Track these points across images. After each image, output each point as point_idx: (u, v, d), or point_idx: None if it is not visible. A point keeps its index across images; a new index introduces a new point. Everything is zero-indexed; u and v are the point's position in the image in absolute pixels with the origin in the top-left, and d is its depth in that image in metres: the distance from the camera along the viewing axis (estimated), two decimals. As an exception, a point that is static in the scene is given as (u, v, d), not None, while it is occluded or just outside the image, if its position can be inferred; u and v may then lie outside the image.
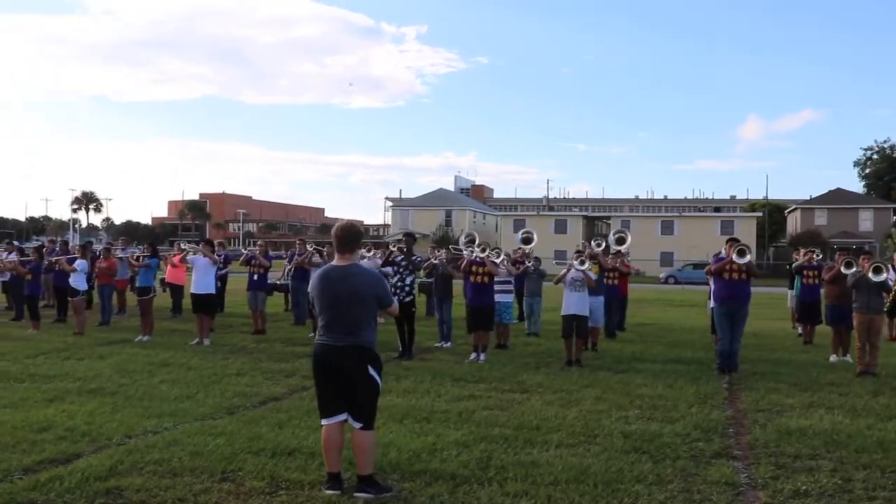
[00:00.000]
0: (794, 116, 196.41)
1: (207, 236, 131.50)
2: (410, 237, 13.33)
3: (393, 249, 13.70)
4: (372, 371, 5.76)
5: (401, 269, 12.92)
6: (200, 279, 14.31)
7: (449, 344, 14.32)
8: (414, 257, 13.02)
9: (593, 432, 7.60)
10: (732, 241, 11.68)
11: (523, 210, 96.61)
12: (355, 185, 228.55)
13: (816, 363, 12.63)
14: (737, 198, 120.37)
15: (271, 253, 15.55)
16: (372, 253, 14.06)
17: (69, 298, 16.13)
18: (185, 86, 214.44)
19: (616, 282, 16.48)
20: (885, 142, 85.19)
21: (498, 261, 13.51)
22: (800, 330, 16.24)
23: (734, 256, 11.32)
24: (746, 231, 69.10)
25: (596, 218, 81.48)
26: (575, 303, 12.22)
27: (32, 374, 10.79)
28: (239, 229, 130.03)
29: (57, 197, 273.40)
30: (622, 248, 17.74)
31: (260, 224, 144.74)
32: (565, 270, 12.42)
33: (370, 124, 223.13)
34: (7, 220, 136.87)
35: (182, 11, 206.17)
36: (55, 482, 5.87)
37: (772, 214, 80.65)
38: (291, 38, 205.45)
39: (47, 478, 5.97)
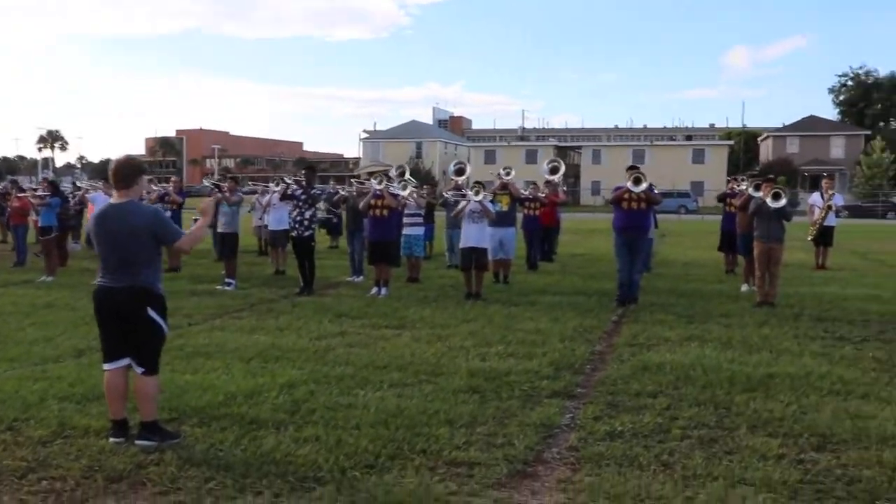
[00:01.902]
0: (782, 43, 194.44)
1: (185, 173, 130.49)
2: (310, 170, 12.81)
3: (289, 182, 13.20)
4: (152, 313, 5.35)
5: (300, 203, 12.43)
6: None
7: (360, 278, 13.96)
8: (313, 190, 12.53)
9: (440, 370, 7.26)
10: (631, 168, 11.22)
11: (498, 141, 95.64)
12: (337, 119, 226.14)
13: (724, 293, 12.35)
14: (716, 126, 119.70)
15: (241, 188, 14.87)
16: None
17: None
18: (164, 20, 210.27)
19: (536, 212, 16.05)
20: (860, 68, 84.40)
21: (405, 193, 13.09)
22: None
23: (630, 184, 10.88)
24: (718, 159, 68.95)
25: (568, 147, 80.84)
26: (474, 234, 11.83)
27: None
28: (215, 165, 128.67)
29: (27, 136, 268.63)
30: (556, 178, 17.33)
31: (237, 159, 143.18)
32: (464, 203, 11.99)
33: (353, 57, 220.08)
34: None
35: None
36: None
37: (746, 143, 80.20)
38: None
39: None
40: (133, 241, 5.26)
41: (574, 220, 34.23)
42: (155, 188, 15.81)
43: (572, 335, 8.90)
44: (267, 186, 16.80)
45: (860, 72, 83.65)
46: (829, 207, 16.51)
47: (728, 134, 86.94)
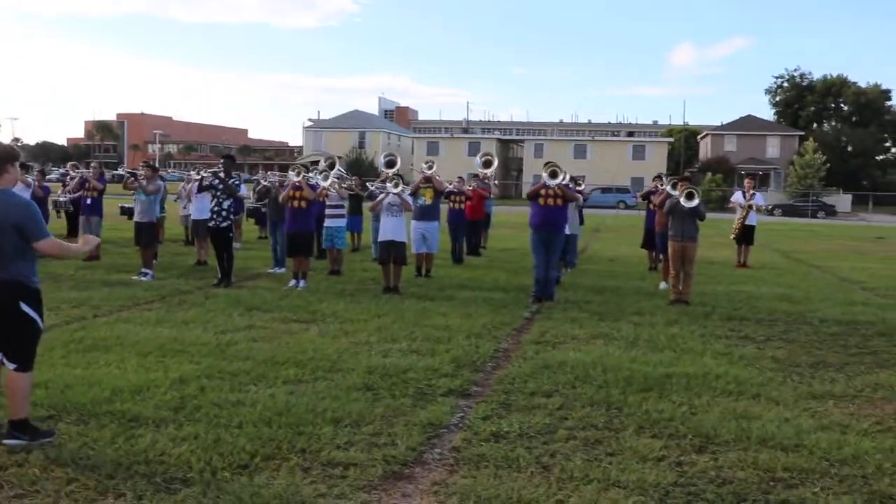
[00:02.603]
0: (725, 43, 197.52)
1: (126, 158, 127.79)
2: (229, 159, 12.56)
3: (205, 175, 12.94)
4: (26, 308, 5.14)
5: (217, 193, 12.20)
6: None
7: (282, 270, 13.78)
8: (231, 180, 12.30)
9: (338, 367, 7.16)
10: (548, 164, 11.22)
11: (443, 133, 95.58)
12: (283, 107, 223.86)
13: (642, 291, 12.49)
14: (659, 123, 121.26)
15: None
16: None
17: None
18: (109, 2, 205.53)
19: (462, 206, 16.01)
20: (795, 70, 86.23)
21: (326, 183, 12.94)
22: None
23: (546, 177, 10.87)
24: (658, 156, 69.84)
25: (510, 141, 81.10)
26: (392, 228, 11.74)
27: None
28: (156, 150, 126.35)
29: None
30: (489, 172, 17.35)
31: (179, 145, 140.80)
32: (382, 195, 11.89)
33: (301, 45, 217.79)
34: None
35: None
36: None
37: (687, 140, 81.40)
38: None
39: None
40: (1, 233, 5.05)
41: (512, 213, 34.33)
42: (75, 174, 15.38)
43: (480, 332, 8.87)
44: (190, 174, 16.48)
45: (795, 74, 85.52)
46: (750, 207, 16.78)
47: (669, 131, 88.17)
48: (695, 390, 6.69)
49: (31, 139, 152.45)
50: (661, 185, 14.60)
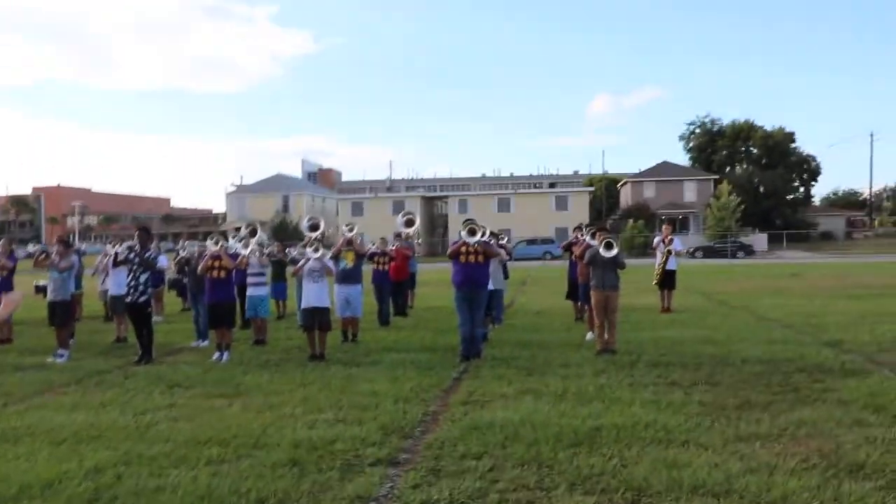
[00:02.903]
0: (638, 92, 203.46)
1: (44, 232, 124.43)
2: (144, 231, 12.27)
3: (119, 250, 12.64)
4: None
5: (134, 267, 11.90)
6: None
7: (205, 342, 13.46)
8: (148, 253, 12.01)
9: (263, 443, 6.96)
10: (466, 221, 11.26)
11: (368, 192, 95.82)
12: (205, 173, 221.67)
13: (568, 343, 12.54)
14: (579, 173, 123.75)
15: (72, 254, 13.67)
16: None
17: None
18: (15, 70, 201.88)
19: (385, 267, 15.96)
20: (705, 116, 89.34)
21: (246, 251, 12.74)
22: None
23: (464, 235, 10.90)
24: (580, 206, 71.07)
25: (435, 198, 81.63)
26: (314, 294, 11.60)
27: None
28: (76, 223, 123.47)
29: None
30: (411, 231, 17.30)
31: (99, 217, 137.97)
32: (302, 261, 11.76)
33: (221, 109, 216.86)
34: None
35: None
36: None
37: (608, 188, 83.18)
38: (135, 18, 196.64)
39: None
40: None
41: (438, 270, 34.38)
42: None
43: (408, 396, 8.74)
44: (106, 248, 16.07)
45: (706, 120, 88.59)
46: (669, 252, 17.12)
47: (590, 181, 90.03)
48: (625, 441, 6.68)
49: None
50: (582, 235, 14.78)
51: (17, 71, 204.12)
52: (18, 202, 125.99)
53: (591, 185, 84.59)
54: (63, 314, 12.56)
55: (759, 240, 65.29)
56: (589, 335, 12.83)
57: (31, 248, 14.92)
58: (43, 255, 13.27)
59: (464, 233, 10.90)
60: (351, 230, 13.27)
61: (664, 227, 18.28)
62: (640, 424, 7.18)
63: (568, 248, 15.21)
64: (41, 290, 18.46)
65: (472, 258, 11.04)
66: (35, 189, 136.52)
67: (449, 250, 11.40)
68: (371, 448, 6.70)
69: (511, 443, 6.74)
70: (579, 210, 69.64)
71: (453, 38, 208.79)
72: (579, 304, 15.15)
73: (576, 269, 14.60)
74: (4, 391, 9.85)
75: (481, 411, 7.93)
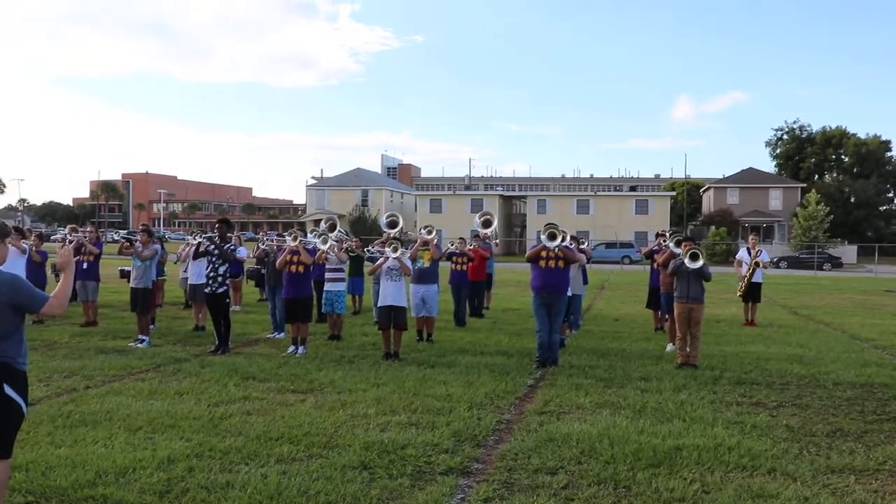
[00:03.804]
0: (723, 97, 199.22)
1: (131, 217, 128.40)
2: (224, 223, 12.38)
3: (201, 240, 12.76)
4: (10, 391, 4.87)
5: (213, 258, 12.02)
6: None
7: (281, 335, 13.53)
8: (226, 246, 12.11)
9: (335, 443, 6.88)
10: (547, 225, 11.02)
11: (446, 189, 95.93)
12: (286, 165, 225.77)
13: (648, 354, 12.17)
14: (661, 176, 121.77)
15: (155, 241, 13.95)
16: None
17: None
18: (112, 62, 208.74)
19: (463, 267, 15.81)
20: (794, 122, 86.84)
21: (325, 247, 12.74)
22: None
23: (544, 239, 10.65)
24: (661, 210, 69.79)
25: (513, 197, 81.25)
26: (391, 293, 11.52)
27: None
28: (161, 210, 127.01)
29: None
30: (488, 231, 17.12)
31: (184, 204, 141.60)
32: (381, 260, 11.69)
33: (304, 103, 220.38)
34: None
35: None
36: None
37: (689, 193, 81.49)
38: (224, 14, 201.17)
39: None
40: None
41: (515, 270, 34.12)
42: (72, 238, 15.21)
43: (482, 402, 8.57)
44: (188, 238, 16.31)
45: (795, 126, 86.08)
46: (757, 264, 16.55)
47: (672, 185, 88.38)
48: (706, 465, 6.38)
49: (37, 200, 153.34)
50: (665, 242, 14.38)
51: (112, 63, 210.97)
52: (108, 187, 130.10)
53: (672, 189, 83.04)
54: (144, 301, 12.77)
55: (847, 252, 63.03)
56: (669, 347, 12.46)
57: (116, 235, 15.18)
58: (127, 244, 13.51)
59: (544, 236, 10.67)
60: (429, 232, 13.15)
61: (750, 237, 17.68)
62: (723, 447, 6.86)
63: (650, 255, 14.81)
64: (126, 274, 18.87)
65: (551, 263, 10.79)
66: (125, 175, 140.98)
67: (527, 253, 11.17)
68: (443, 455, 6.56)
69: (587, 458, 6.51)
70: (660, 214, 68.48)
71: (535, 37, 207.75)
72: (660, 313, 14.75)
73: (657, 277, 14.21)
74: (87, 374, 10.05)
75: (557, 423, 7.71)
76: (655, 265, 14.17)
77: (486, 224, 16.45)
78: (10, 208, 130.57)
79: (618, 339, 13.87)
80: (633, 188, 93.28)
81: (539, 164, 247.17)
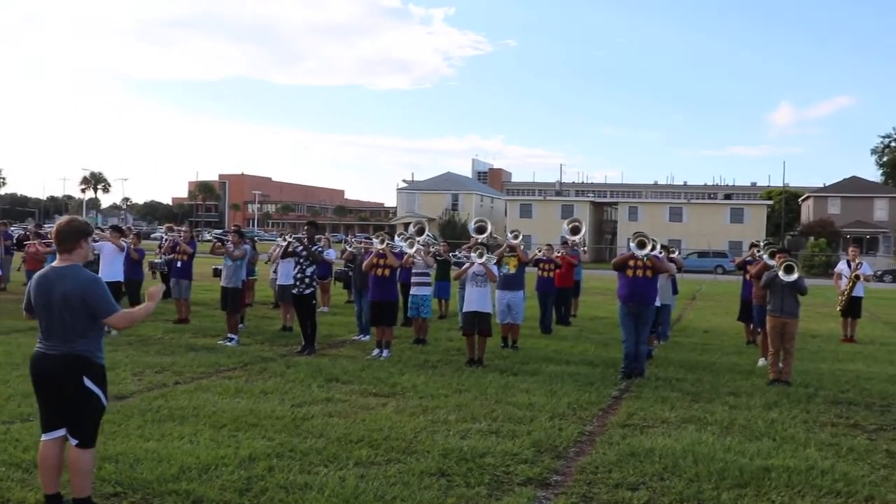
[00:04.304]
0: (826, 103, 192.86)
1: (227, 217, 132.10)
2: (312, 225, 12.56)
3: (290, 240, 12.96)
4: (89, 384, 5.05)
5: (301, 260, 12.20)
6: (107, 267, 13.67)
7: (367, 337, 13.64)
8: (315, 247, 12.28)
9: (413, 448, 6.87)
10: (636, 234, 10.79)
11: (536, 195, 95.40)
12: (378, 168, 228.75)
13: (738, 368, 11.79)
14: (757, 184, 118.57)
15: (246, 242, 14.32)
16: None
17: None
18: (213, 65, 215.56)
19: (550, 274, 15.64)
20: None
21: (412, 251, 12.78)
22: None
23: (633, 248, 10.42)
24: (757, 219, 67.91)
25: (604, 203, 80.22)
26: (476, 298, 11.47)
27: None
28: (255, 210, 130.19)
29: (74, 176, 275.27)
30: (576, 238, 16.94)
31: (277, 205, 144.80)
32: (466, 265, 11.66)
33: (396, 106, 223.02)
34: (29, 198, 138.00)
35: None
36: None
37: (788, 202, 79.03)
38: (319, 19, 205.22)
39: None
40: (67, 309, 5.00)
41: (604, 278, 33.57)
42: (167, 238, 15.70)
43: (565, 412, 8.44)
44: (277, 239, 16.61)
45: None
46: (857, 277, 15.88)
47: (769, 193, 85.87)
48: (797, 488, 6.11)
49: (139, 199, 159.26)
50: (758, 253, 13.92)
51: (212, 67, 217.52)
52: (206, 187, 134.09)
53: (769, 197, 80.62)
54: (234, 301, 13.05)
55: (957, 267, 60.02)
56: (761, 361, 12.05)
57: (207, 235, 15.58)
58: (218, 244, 13.84)
59: (633, 245, 10.46)
60: (516, 237, 13.06)
61: (850, 249, 16.96)
62: (816, 470, 6.55)
63: (742, 266, 14.38)
64: (218, 273, 19.36)
65: (639, 272, 10.57)
66: (221, 176, 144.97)
67: (614, 260, 10.97)
68: (522, 465, 6.47)
69: (670, 475, 6.32)
70: (756, 224, 66.60)
71: (628, 42, 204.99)
72: (752, 326, 14.28)
73: (750, 289, 13.76)
74: (177, 370, 10.32)
75: (640, 437, 7.52)
76: (748, 276, 13.74)
77: (575, 231, 16.27)
78: (114, 207, 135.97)
79: (707, 352, 13.49)
80: (727, 196, 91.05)
81: (631, 171, 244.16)
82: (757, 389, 10.06)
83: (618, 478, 6.22)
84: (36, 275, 5.29)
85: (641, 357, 10.76)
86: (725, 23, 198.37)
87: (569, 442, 7.30)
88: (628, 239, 10.91)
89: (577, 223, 16.55)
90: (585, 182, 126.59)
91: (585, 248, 17.69)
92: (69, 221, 5.25)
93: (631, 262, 10.61)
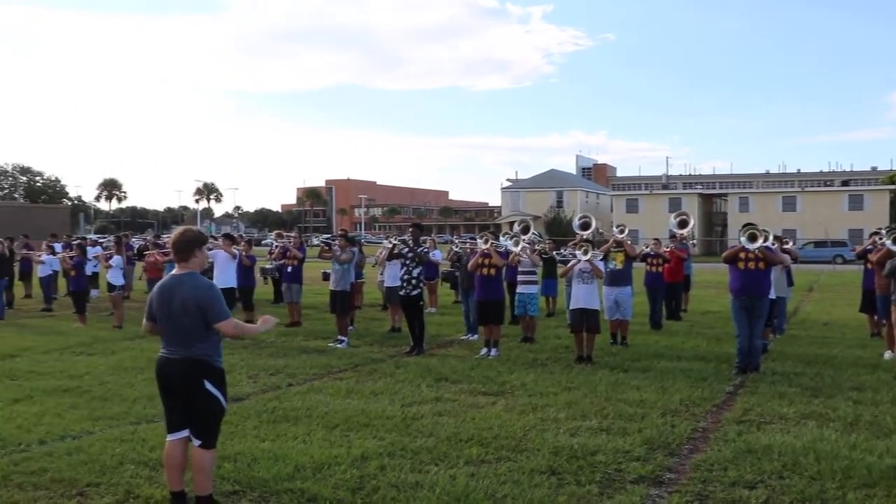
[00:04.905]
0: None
1: (334, 222, 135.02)
2: (417, 227, 12.68)
3: (395, 242, 13.10)
4: (210, 386, 5.24)
5: (407, 261, 12.34)
6: (220, 274, 14.17)
7: (475, 336, 13.68)
8: (421, 248, 12.40)
9: (523, 446, 6.85)
10: (746, 226, 10.44)
11: (642, 189, 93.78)
12: (482, 167, 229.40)
13: (861, 362, 11.25)
14: (878, 169, 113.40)
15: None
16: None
17: (108, 293, 16.38)
18: (318, 75, 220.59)
19: (659, 269, 15.33)
20: None
21: (517, 249, 12.75)
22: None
23: (743, 241, 10.09)
24: (878, 205, 64.83)
25: (713, 195, 78.07)
26: (583, 295, 11.35)
27: (31, 371, 10.82)
28: (362, 214, 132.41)
29: (188, 188, 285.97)
30: (685, 232, 16.57)
31: (383, 208, 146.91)
32: (573, 262, 11.54)
33: (498, 106, 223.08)
34: (148, 210, 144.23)
35: (316, 2, 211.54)
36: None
37: (913, 187, 75.12)
38: (419, 22, 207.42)
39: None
40: (185, 314, 5.20)
41: (716, 272, 32.63)
42: (278, 244, 16.13)
43: (677, 409, 8.26)
44: (384, 241, 16.84)
45: None
46: None
47: (891, 177, 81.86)
48: (931, 487, 5.80)
49: (250, 207, 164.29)
50: (880, 240, 13.28)
51: (314, 77, 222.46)
52: (313, 193, 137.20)
53: (891, 182, 76.80)
54: (343, 303, 13.30)
55: None
56: (887, 354, 11.49)
57: (315, 240, 15.94)
58: (326, 248, 14.13)
59: (743, 238, 10.14)
60: (622, 232, 12.86)
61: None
62: (952, 468, 6.21)
63: (863, 255, 13.77)
64: (327, 277, 19.79)
65: (751, 264, 10.24)
66: (327, 182, 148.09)
67: (724, 253, 10.66)
68: (634, 463, 6.36)
69: (790, 473, 6.10)
70: (877, 210, 63.52)
71: (731, 30, 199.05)
72: (876, 317, 13.63)
73: (872, 279, 13.16)
74: (290, 372, 10.60)
75: (757, 433, 7.29)
76: (870, 265, 13.14)
77: (682, 224, 15.93)
78: (226, 215, 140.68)
79: (827, 345, 12.95)
80: (845, 182, 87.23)
81: (741, 161, 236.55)
82: (883, 384, 9.59)
83: (734, 476, 6.04)
84: (157, 284, 5.52)
85: (756, 351, 10.42)
86: (835, 3, 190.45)
87: (682, 439, 7.14)
88: (739, 231, 10.60)
89: (685, 216, 16.19)
90: (693, 174, 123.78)
91: (695, 242, 17.25)
92: (184, 232, 5.46)
93: (742, 255, 10.29)
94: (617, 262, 12.74)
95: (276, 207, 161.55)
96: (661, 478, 6.07)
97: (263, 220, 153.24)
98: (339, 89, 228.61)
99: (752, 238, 10.08)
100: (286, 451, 6.65)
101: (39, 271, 20.43)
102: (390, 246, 13.64)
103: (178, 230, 5.55)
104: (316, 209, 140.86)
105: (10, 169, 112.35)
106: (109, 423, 7.82)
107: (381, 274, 18.03)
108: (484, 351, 12.00)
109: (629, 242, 13.14)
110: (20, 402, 8.87)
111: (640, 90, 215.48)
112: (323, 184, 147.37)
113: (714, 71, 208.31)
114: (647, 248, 16.04)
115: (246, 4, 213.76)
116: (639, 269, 14.45)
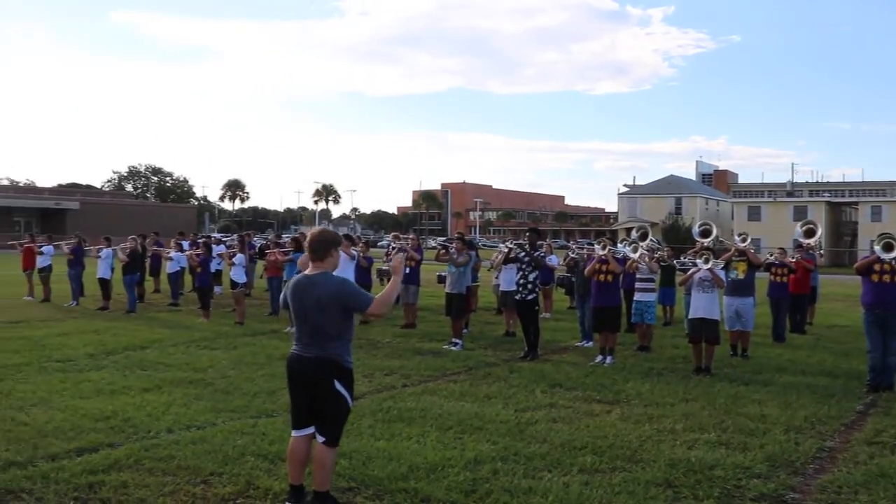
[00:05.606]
0: None
1: (450, 225, 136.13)
2: (534, 232, 12.62)
3: (511, 246, 13.06)
4: (339, 386, 5.34)
5: (523, 266, 12.30)
6: (339, 274, 14.44)
7: (590, 343, 13.53)
8: (537, 253, 12.34)
9: (639, 457, 6.72)
10: (882, 235, 9.94)
11: (766, 196, 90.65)
12: (598, 173, 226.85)
13: None
14: None
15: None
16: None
17: (231, 290, 16.98)
18: (433, 79, 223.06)
19: (784, 279, 14.78)
20: None
21: (635, 256, 12.55)
22: None
23: (878, 251, 9.61)
24: None
25: (842, 203, 74.72)
26: (703, 305, 11.05)
27: (160, 362, 11.33)
28: (477, 218, 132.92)
29: (308, 189, 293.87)
30: (811, 241, 15.96)
31: (498, 212, 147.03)
32: (692, 270, 11.26)
33: (615, 110, 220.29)
34: (269, 211, 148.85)
35: (430, 7, 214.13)
36: (55, 472, 6.03)
37: None
38: (536, 26, 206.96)
39: (49, 468, 6.13)
40: (321, 313, 5.31)
41: (845, 284, 31.26)
42: (395, 245, 16.37)
43: (801, 426, 7.94)
44: (500, 246, 16.85)
45: None
46: None
47: None
48: None
49: (366, 209, 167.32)
50: None
51: (431, 80, 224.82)
52: (429, 196, 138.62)
53: None
54: (458, 306, 13.37)
55: None
56: None
57: (431, 243, 16.10)
58: (443, 251, 14.25)
59: (878, 247, 9.67)
60: (744, 240, 12.47)
61: None
62: None
63: None
64: (442, 280, 19.94)
65: (886, 277, 9.74)
66: (443, 185, 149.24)
67: (857, 264, 10.19)
68: (755, 480, 6.16)
69: (927, 499, 5.77)
70: None
71: (859, 29, 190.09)
72: None
73: None
74: (405, 373, 10.73)
75: (891, 456, 6.92)
76: None
77: (809, 234, 15.34)
78: (343, 217, 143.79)
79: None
80: None
81: (873, 167, 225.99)
82: None
83: (865, 500, 5.77)
84: (291, 282, 5.64)
85: (890, 369, 9.90)
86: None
87: (807, 458, 6.86)
88: (872, 241, 10.11)
89: (811, 225, 15.58)
90: (820, 181, 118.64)
91: (822, 252, 16.54)
92: (321, 232, 5.60)
93: (876, 267, 9.81)
94: (739, 272, 12.36)
95: (393, 210, 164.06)
96: (784, 497, 5.84)
97: (380, 221, 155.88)
98: (456, 93, 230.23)
99: (888, 248, 9.59)
100: (400, 451, 6.73)
101: (168, 267, 21.29)
102: (506, 250, 13.63)
103: (315, 230, 5.70)
104: (431, 212, 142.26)
105: (143, 170, 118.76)
106: (231, 416, 8.09)
107: (497, 278, 18.03)
108: (599, 358, 11.84)
109: (752, 251, 12.73)
110: (150, 391, 9.29)
111: (765, 94, 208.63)
112: (438, 187, 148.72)
113: (844, 72, 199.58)
114: (771, 256, 15.50)
115: (359, 10, 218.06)
116: (761, 279, 13.97)
